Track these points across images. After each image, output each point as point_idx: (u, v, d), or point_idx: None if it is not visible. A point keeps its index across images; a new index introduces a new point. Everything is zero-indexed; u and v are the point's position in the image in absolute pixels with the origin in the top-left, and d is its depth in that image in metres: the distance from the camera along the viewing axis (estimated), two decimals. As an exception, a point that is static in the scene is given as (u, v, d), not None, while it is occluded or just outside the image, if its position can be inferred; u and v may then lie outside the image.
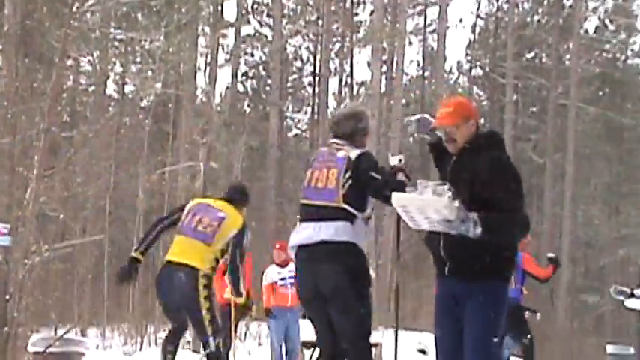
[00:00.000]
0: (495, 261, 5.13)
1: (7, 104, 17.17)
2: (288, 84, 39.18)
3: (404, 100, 37.17)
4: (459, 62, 42.41)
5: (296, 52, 38.86)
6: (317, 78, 37.51)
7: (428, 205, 4.95)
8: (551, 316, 30.57)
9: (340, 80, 38.01)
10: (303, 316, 12.93)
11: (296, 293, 6.40)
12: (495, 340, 5.16)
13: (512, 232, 5.14)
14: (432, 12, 38.14)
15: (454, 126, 5.30)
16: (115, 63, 30.41)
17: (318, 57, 37.64)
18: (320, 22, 35.89)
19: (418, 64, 40.64)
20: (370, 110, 30.11)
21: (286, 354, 12.88)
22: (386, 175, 6.03)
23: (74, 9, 19.74)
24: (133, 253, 8.25)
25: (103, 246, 25.57)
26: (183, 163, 26.53)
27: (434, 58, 37.42)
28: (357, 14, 37.11)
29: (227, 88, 36.47)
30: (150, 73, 28.10)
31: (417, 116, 5.72)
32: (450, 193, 4.93)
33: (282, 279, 12.82)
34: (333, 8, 35.29)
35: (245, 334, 23.02)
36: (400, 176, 6.04)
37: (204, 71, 31.64)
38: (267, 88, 36.76)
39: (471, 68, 42.17)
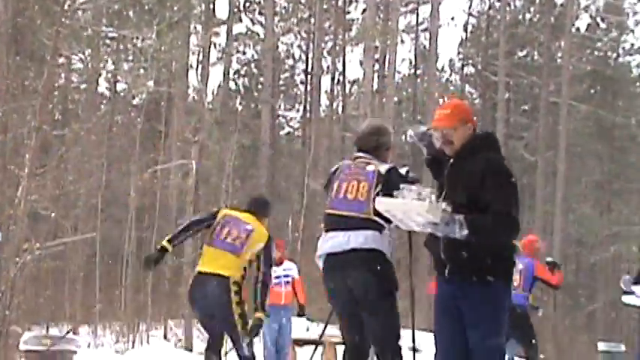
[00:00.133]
0: (495, 262, 5.22)
1: (-1, 102, 17.15)
2: (280, 82, 39.15)
3: (396, 99, 37.20)
4: (451, 60, 42.45)
5: (288, 50, 38.85)
6: (309, 76, 37.50)
7: (410, 210, 5.08)
8: (543, 313, 30.58)
9: (332, 78, 38.00)
10: (299, 315, 12.95)
11: (328, 298, 6.57)
12: (499, 338, 5.26)
13: (499, 235, 5.18)
14: (424, 10, 38.14)
15: (451, 128, 5.36)
16: (106, 61, 30.36)
17: (310, 55, 37.62)
18: (312, 20, 35.88)
19: (410, 63, 40.68)
20: (362, 109, 30.26)
21: (277, 352, 12.85)
22: None
23: (65, 7, 19.70)
24: (164, 243, 8.51)
25: (94, 244, 25.54)
26: (175, 161, 26.54)
27: (426, 57, 37.40)
28: (349, 12, 37.11)
29: (219, 86, 36.47)
30: (142, 71, 28.06)
31: (423, 128, 5.71)
32: (432, 197, 5.04)
33: (277, 277, 12.76)
34: (325, 6, 35.28)
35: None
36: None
37: (196, 69, 31.69)
38: (259, 86, 36.74)
39: (463, 66, 42.21)
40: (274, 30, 34.50)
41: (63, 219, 24.11)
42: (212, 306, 8.22)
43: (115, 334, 24.18)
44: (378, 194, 6.09)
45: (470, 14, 40.84)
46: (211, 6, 31.49)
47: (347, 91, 39.05)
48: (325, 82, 37.99)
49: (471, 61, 41.83)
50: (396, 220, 5.32)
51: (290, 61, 39.30)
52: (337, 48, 37.20)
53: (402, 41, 37.66)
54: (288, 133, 41.40)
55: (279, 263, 12.92)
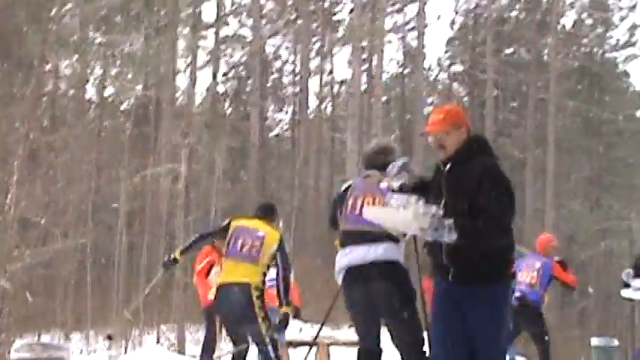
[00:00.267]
0: (497, 265, 5.39)
1: (-14, 110, 17.11)
2: (269, 84, 39.13)
3: (384, 98, 37.25)
4: (438, 59, 42.51)
5: (276, 52, 38.88)
6: (297, 77, 37.50)
7: (397, 217, 5.27)
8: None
9: (320, 79, 38.08)
10: (293, 317, 12.95)
11: (347, 308, 6.88)
12: (502, 338, 5.43)
13: (490, 239, 5.28)
14: (411, 9, 38.15)
15: (444, 132, 5.46)
16: (94, 67, 30.29)
17: (298, 57, 37.64)
18: (299, 21, 35.89)
19: (398, 62, 40.71)
20: (351, 109, 30.29)
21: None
22: None
23: (52, 13, 19.67)
24: (177, 254, 9.33)
25: (85, 250, 25.50)
26: (164, 166, 26.50)
27: (413, 56, 37.43)
28: (335, 13, 37.15)
29: (207, 89, 36.45)
30: (130, 76, 28.03)
31: (403, 160, 5.79)
32: (418, 204, 5.20)
33: (271, 280, 12.76)
34: (312, 8, 35.34)
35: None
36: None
37: (184, 73, 31.64)
38: (248, 88, 36.72)
39: (450, 65, 42.25)
40: (262, 32, 34.51)
41: (53, 225, 24.05)
42: (237, 313, 8.58)
43: (108, 339, 24.10)
44: None
45: (456, 13, 40.93)
46: (198, 10, 31.47)
47: (335, 91, 39.12)
48: (313, 83, 38.05)
49: (458, 60, 41.86)
50: (387, 227, 5.60)
51: (278, 63, 39.35)
52: (325, 49, 37.26)
53: (390, 41, 37.75)
54: (278, 134, 41.40)
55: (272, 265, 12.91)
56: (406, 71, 40.08)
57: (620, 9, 39.27)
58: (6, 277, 15.87)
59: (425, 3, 34.97)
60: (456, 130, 5.48)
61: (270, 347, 8.57)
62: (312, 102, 38.14)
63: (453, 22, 40.80)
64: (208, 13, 44.89)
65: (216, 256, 12.53)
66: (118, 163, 27.80)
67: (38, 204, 20.32)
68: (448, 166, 5.48)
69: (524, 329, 11.39)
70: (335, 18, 36.85)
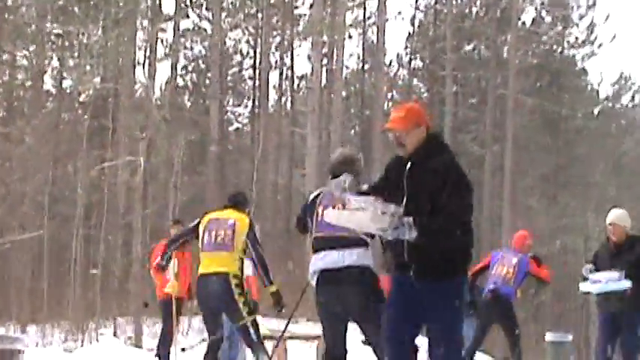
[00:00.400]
0: (458, 260, 5.54)
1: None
2: (229, 78, 38.98)
3: (344, 93, 37.23)
4: (398, 55, 42.45)
5: (236, 45, 38.68)
6: (257, 71, 37.39)
7: (356, 219, 5.40)
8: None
9: (281, 74, 37.98)
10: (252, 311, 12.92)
11: (317, 309, 7.30)
12: (460, 330, 5.60)
13: (449, 236, 5.41)
14: (372, 4, 38.14)
15: (404, 130, 5.52)
16: (51, 57, 30.04)
17: (258, 50, 37.51)
18: (260, 15, 35.80)
19: (358, 57, 40.66)
20: (310, 104, 30.28)
21: (229, 347, 12.83)
22: None
23: (9, 3, 19.50)
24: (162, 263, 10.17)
25: (41, 242, 25.32)
26: (122, 158, 26.36)
27: (374, 51, 37.44)
28: (296, 7, 37.05)
29: (166, 82, 36.26)
30: (88, 67, 27.85)
31: (343, 177, 5.87)
32: (375, 205, 5.29)
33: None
34: (272, 1, 35.25)
35: (188, 329, 22.94)
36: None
37: (143, 65, 31.44)
38: (207, 81, 36.54)
39: (410, 60, 42.28)
40: (222, 25, 34.36)
41: (9, 217, 23.88)
42: (216, 302, 8.94)
43: (64, 332, 23.97)
44: None
45: (417, 8, 41.00)
46: (157, 1, 31.30)
47: (295, 86, 39.06)
48: (273, 77, 37.92)
49: (418, 55, 41.95)
50: (343, 225, 5.70)
51: (238, 57, 39.15)
52: (285, 43, 37.18)
53: (350, 36, 37.62)
54: (237, 128, 41.27)
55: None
56: (366, 67, 40.12)
57: (579, 7, 39.53)
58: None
59: (386, -2, 34.99)
60: (416, 129, 5.54)
61: (252, 330, 8.94)
62: (272, 96, 38.14)
63: (413, 18, 40.87)
64: (168, 5, 44.67)
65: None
66: (76, 155, 27.65)
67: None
68: (409, 165, 5.55)
69: (496, 321, 11.76)
70: (295, 12, 36.78)
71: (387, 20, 35.78)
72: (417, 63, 42.33)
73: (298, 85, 39.73)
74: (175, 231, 12.68)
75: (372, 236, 6.69)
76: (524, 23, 39.06)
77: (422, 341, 5.70)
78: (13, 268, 25.67)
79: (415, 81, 42.66)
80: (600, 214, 36.48)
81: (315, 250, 7.21)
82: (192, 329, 23.34)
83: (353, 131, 42.43)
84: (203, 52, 37.73)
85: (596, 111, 43.58)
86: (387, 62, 40.18)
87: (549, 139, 39.91)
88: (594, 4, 39.32)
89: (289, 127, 37.01)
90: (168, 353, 12.62)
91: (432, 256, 5.38)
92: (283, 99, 38.68)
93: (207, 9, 36.00)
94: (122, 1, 27.07)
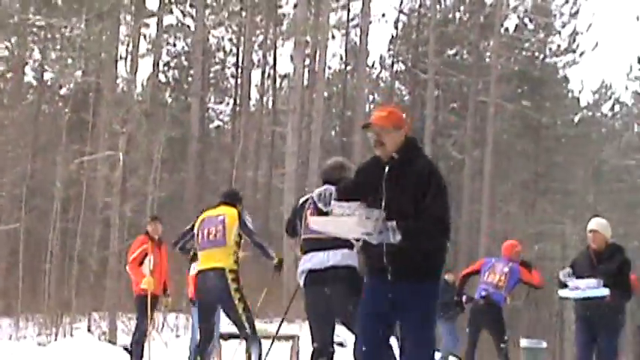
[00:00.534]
0: (432, 264, 5.62)
1: None
2: (211, 75, 38.96)
3: (326, 94, 37.25)
4: (381, 57, 42.57)
5: (219, 43, 38.65)
6: (239, 70, 37.39)
7: (342, 225, 5.49)
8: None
9: (263, 72, 38.00)
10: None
11: (305, 308, 7.66)
12: (433, 331, 5.66)
13: (432, 238, 5.53)
14: (355, 6, 38.19)
15: (385, 129, 5.58)
16: (33, 49, 29.90)
17: (241, 48, 37.50)
18: (243, 13, 35.77)
19: (341, 58, 40.72)
20: (292, 103, 30.27)
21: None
22: None
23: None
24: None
25: (18, 235, 25.19)
26: (102, 153, 26.27)
27: (356, 53, 37.47)
28: (280, 7, 37.06)
29: (148, 77, 36.17)
30: (70, 60, 27.73)
31: (325, 188, 5.84)
32: (360, 211, 5.37)
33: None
34: (256, 0, 35.20)
35: (162, 325, 22.88)
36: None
37: (125, 60, 31.33)
38: (189, 78, 36.48)
39: (393, 63, 42.37)
40: (205, 22, 34.34)
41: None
42: (213, 297, 9.30)
43: (38, 326, 23.85)
44: None
45: (401, 12, 41.06)
46: (141, -3, 31.22)
47: (277, 85, 39.06)
48: (255, 76, 37.91)
49: (401, 59, 42.03)
50: (333, 234, 5.86)
51: (220, 55, 39.14)
52: (268, 42, 37.18)
53: (333, 37, 37.70)
54: (218, 126, 41.27)
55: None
56: (348, 68, 40.15)
57: (562, 14, 39.71)
58: None
59: (370, 0, 35.03)
60: (396, 131, 5.61)
61: (247, 324, 9.24)
62: (254, 95, 38.12)
63: (396, 21, 40.93)
64: (151, 0, 44.59)
65: (151, 245, 12.47)
66: (55, 149, 27.50)
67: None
68: (387, 168, 5.59)
69: (485, 327, 12.13)
70: (279, 12, 36.79)
71: (371, 22, 35.87)
72: (400, 66, 42.45)
73: (280, 84, 39.79)
74: (152, 227, 12.66)
75: (358, 240, 6.73)
76: (507, 30, 39.21)
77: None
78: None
79: (397, 84, 42.77)
80: (578, 221, 36.68)
81: (304, 252, 7.59)
82: (168, 326, 23.28)
83: (334, 132, 42.47)
84: (186, 48, 37.73)
85: (576, 119, 43.83)
86: (370, 64, 40.31)
87: (529, 145, 40.07)
88: (577, 12, 39.51)
89: (270, 126, 37.01)
90: (142, 349, 12.59)
91: (411, 258, 5.44)
92: (265, 98, 38.72)
93: (190, 6, 35.99)
94: (106, -5, 26.98)
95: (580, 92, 51.11)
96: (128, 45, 31.24)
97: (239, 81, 37.29)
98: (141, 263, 12.43)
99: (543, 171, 40.23)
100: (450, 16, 40.10)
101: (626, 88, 47.35)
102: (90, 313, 24.38)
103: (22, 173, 25.94)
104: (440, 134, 39.07)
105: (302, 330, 16.34)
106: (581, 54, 39.91)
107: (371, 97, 41.74)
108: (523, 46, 40.35)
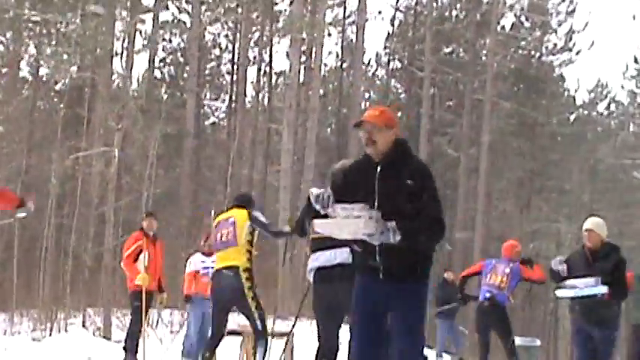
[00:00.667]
0: (423, 263, 5.68)
1: None
2: (207, 71, 38.94)
3: (322, 91, 37.27)
4: (377, 54, 42.64)
5: (215, 39, 38.63)
6: (235, 66, 37.36)
7: (348, 226, 5.48)
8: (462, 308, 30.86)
9: (259, 69, 37.90)
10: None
11: (313, 305, 7.87)
12: (422, 330, 5.71)
13: (430, 238, 5.61)
14: (352, 3, 38.21)
15: (377, 127, 5.62)
16: (29, 44, 29.85)
17: (236, 45, 37.47)
18: (239, 10, 35.71)
19: (337, 56, 40.71)
20: (288, 100, 30.24)
21: (199, 340, 12.84)
22: None
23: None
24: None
25: (12, 230, 25.16)
26: (97, 148, 26.23)
27: (352, 50, 37.46)
28: (276, 3, 36.99)
29: (144, 73, 36.15)
30: (65, 56, 27.67)
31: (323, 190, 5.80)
32: (363, 212, 5.38)
33: (205, 268, 12.82)
34: (253, -3, 35.17)
35: (157, 321, 22.88)
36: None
37: (121, 56, 31.28)
38: (185, 75, 36.46)
39: (389, 61, 42.39)
40: (201, 19, 34.31)
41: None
42: (228, 295, 9.70)
43: (33, 321, 23.84)
44: None
45: (397, 9, 41.06)
46: (138, -8, 31.15)
47: (273, 82, 39.00)
48: (251, 72, 38.00)
49: (397, 56, 42.04)
50: (335, 236, 5.82)
51: (216, 51, 39.11)
52: (264, 39, 37.12)
53: (329, 34, 37.67)
54: (214, 123, 41.21)
55: (209, 254, 12.96)
56: (344, 65, 40.14)
57: (559, 13, 39.75)
58: None
59: (366, -3, 34.99)
60: (388, 130, 5.65)
61: (258, 322, 9.63)
62: (250, 92, 38.08)
63: (393, 19, 40.93)
64: (148, -4, 44.38)
65: (146, 241, 12.46)
66: (50, 144, 27.48)
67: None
68: (379, 168, 5.63)
69: (492, 328, 12.42)
70: (276, 8, 36.73)
71: (367, 20, 35.83)
72: (396, 64, 42.45)
73: (276, 81, 39.73)
74: (147, 223, 12.65)
75: (356, 241, 6.75)
76: (503, 28, 39.21)
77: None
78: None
79: (393, 81, 42.77)
80: (574, 220, 36.74)
81: (312, 251, 7.84)
82: (162, 322, 23.28)
83: (329, 129, 42.46)
84: (182, 44, 37.67)
85: (572, 117, 43.84)
86: (366, 61, 40.31)
87: (525, 143, 40.07)
88: (573, 11, 39.55)
89: (266, 123, 36.96)
90: (137, 345, 12.58)
91: (404, 257, 5.49)
92: (261, 94, 38.64)
93: (187, 2, 35.95)
94: (102, -9, 26.93)
95: (576, 91, 51.07)
96: (124, 41, 31.23)
97: (235, 78, 37.27)
98: (136, 259, 12.42)
99: (539, 169, 40.22)
100: (447, 13, 40.11)
101: (622, 87, 47.45)
102: (84, 309, 24.39)
103: (17, 169, 25.92)
104: (436, 132, 39.06)
105: (296, 327, 16.32)
106: (578, 53, 40.02)
107: (367, 95, 41.75)
108: (519, 44, 40.37)
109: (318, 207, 5.61)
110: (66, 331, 22.26)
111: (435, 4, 38.97)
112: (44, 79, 31.53)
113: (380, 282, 5.59)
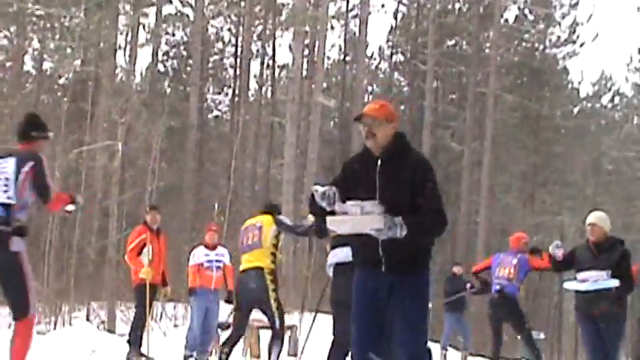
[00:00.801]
0: (425, 256, 5.73)
1: None
2: (210, 65, 38.96)
3: (325, 85, 37.24)
4: (380, 48, 42.59)
5: (218, 33, 38.65)
6: (238, 60, 37.36)
7: (360, 223, 5.49)
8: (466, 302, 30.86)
9: (262, 63, 37.96)
10: (226, 301, 12.94)
11: (330, 298, 8.31)
12: (426, 323, 5.71)
13: (435, 231, 5.66)
14: (355, -3, 38.17)
15: (377, 120, 5.66)
16: (32, 39, 29.85)
17: (239, 39, 37.48)
18: (242, 3, 35.71)
19: (340, 49, 40.69)
20: (291, 94, 30.24)
21: (202, 333, 12.87)
22: None
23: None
24: None
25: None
26: (101, 142, 26.24)
27: (355, 43, 37.45)
28: (280, -3, 37.01)
29: (147, 67, 36.15)
30: (69, 50, 27.67)
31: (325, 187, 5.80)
32: (373, 208, 5.43)
33: (209, 261, 12.88)
34: (256, -10, 35.15)
35: (161, 315, 22.90)
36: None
37: (124, 50, 31.32)
38: (188, 68, 36.47)
39: (392, 54, 42.39)
40: (204, 12, 34.30)
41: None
42: (254, 296, 10.06)
43: (37, 315, 23.82)
44: None
45: (400, 2, 41.05)
46: (141, -14, 31.15)
47: (276, 75, 39.02)
48: (254, 66, 37.86)
49: (400, 49, 42.01)
50: (346, 233, 5.79)
51: (219, 45, 39.13)
52: (267, 32, 37.12)
53: (332, 27, 37.65)
54: (217, 116, 41.25)
55: (213, 248, 13.00)
56: (347, 58, 40.12)
57: (562, 5, 39.74)
58: None
59: (369, -9, 34.98)
60: (388, 124, 5.69)
61: (278, 321, 9.97)
62: (253, 85, 38.08)
63: (396, 12, 40.91)
64: (151, -10, 44.40)
65: (149, 235, 12.48)
66: (54, 138, 27.41)
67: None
68: (380, 162, 5.66)
69: (504, 320, 12.74)
70: (278, 2, 36.71)
71: (370, 13, 35.85)
72: (399, 57, 42.43)
73: (279, 74, 39.74)
74: (151, 217, 12.66)
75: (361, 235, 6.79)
76: (506, 20, 39.18)
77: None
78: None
79: (396, 75, 42.76)
80: (577, 213, 36.71)
81: (332, 247, 8.20)
82: (166, 315, 23.31)
83: (332, 122, 42.45)
84: (185, 38, 37.70)
85: (576, 110, 43.78)
86: (369, 55, 40.27)
87: (528, 136, 40.04)
88: (577, 3, 39.51)
89: (269, 117, 36.99)
90: (141, 338, 12.60)
91: (407, 250, 5.53)
92: (264, 88, 38.66)
93: (190, -5, 35.94)
94: (105, -15, 26.92)
95: (580, 83, 51.17)
96: (127, 35, 31.26)
97: (238, 71, 37.26)
98: (139, 253, 12.43)
99: (542, 162, 40.20)
100: (450, 6, 40.07)
101: (626, 79, 47.29)
102: (89, 302, 24.40)
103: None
104: (439, 125, 39.03)
105: (302, 321, 16.37)
106: (581, 45, 39.97)
107: (370, 88, 41.76)
108: (523, 37, 40.32)
109: (324, 204, 5.60)
110: (70, 324, 22.29)
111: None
112: (48, 73, 31.53)
113: (382, 275, 5.61)
